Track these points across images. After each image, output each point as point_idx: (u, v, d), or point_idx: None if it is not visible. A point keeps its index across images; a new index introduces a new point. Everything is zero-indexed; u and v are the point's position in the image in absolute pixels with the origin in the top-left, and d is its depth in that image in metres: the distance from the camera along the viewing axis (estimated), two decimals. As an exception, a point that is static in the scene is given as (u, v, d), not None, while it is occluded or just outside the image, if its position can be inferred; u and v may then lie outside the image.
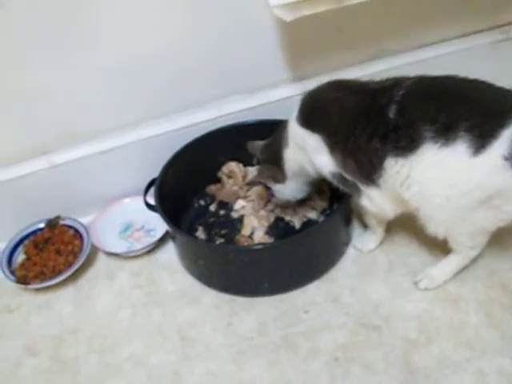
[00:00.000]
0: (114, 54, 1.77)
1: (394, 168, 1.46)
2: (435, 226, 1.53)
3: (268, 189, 1.87)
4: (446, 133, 1.37)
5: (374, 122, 1.47)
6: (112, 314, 1.78)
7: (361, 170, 1.52)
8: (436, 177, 1.42)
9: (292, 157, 1.70)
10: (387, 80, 1.53)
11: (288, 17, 1.65)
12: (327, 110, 1.58)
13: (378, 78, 1.57)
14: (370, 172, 1.50)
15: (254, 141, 1.86)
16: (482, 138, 1.35)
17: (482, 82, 1.46)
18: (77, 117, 1.86)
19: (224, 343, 1.65)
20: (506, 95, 1.44)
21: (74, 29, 1.68)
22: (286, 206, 1.92)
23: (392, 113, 1.44)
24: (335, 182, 1.64)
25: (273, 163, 1.76)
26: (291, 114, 1.65)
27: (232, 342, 1.65)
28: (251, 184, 1.97)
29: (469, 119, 1.36)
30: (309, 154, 1.62)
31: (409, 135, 1.41)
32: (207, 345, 1.65)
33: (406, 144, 1.42)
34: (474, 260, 1.68)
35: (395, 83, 1.49)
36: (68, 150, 1.90)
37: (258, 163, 1.89)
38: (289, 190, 1.81)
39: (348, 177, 1.58)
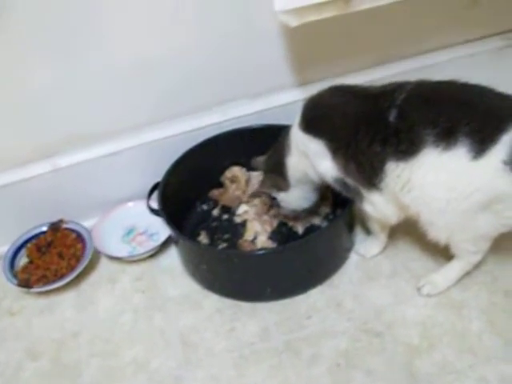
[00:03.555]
0: (118, 57, 1.77)
1: (395, 172, 1.46)
2: (436, 232, 1.53)
3: (273, 199, 1.85)
4: (446, 137, 1.38)
5: (375, 125, 1.47)
6: (114, 318, 1.78)
7: (362, 174, 1.52)
8: (436, 181, 1.42)
9: (295, 164, 1.70)
10: (388, 85, 1.54)
11: (293, 22, 1.64)
12: (329, 115, 1.59)
13: (380, 84, 1.57)
14: (372, 176, 1.50)
15: (257, 157, 1.87)
16: (482, 142, 1.36)
17: (483, 87, 1.46)
18: (81, 120, 1.86)
19: (226, 348, 1.64)
20: (507, 100, 1.44)
21: (78, 32, 1.69)
22: (294, 216, 1.90)
23: (393, 117, 1.44)
24: (338, 188, 1.64)
25: (275, 172, 1.75)
26: (294, 121, 1.65)
27: (234, 347, 1.64)
28: (255, 196, 1.95)
29: (469, 124, 1.37)
30: (311, 159, 1.62)
31: (409, 139, 1.41)
32: (209, 350, 1.65)
33: (407, 148, 1.42)
34: (477, 266, 1.67)
35: (396, 87, 1.49)
36: (72, 153, 1.90)
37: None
38: (293, 198, 1.80)
39: (350, 182, 1.58)
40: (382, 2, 1.68)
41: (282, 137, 1.73)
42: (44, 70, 1.73)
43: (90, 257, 1.89)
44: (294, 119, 1.65)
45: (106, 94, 1.83)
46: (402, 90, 1.47)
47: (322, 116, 1.61)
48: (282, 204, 1.83)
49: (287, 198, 1.80)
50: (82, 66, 1.75)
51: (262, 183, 1.83)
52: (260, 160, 1.87)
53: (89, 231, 1.95)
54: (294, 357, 1.59)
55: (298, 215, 1.90)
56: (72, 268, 1.87)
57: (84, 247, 1.92)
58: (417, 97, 1.46)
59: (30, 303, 1.86)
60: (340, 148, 1.54)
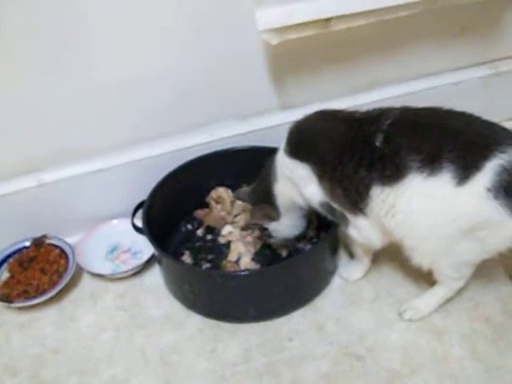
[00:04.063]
0: (107, 75, 1.77)
1: (380, 197, 1.47)
2: (420, 257, 1.54)
3: (264, 230, 1.84)
4: (431, 163, 1.39)
5: (360, 150, 1.48)
6: (94, 335, 1.77)
7: (348, 198, 1.52)
8: (420, 206, 1.43)
9: (282, 191, 1.70)
10: (374, 110, 1.55)
11: (274, 40, 1.69)
12: (315, 140, 1.59)
13: (365, 109, 1.58)
14: (357, 201, 1.51)
15: (240, 189, 1.89)
16: (466, 169, 1.37)
17: (468, 115, 1.48)
18: (67, 136, 1.86)
19: (207, 369, 1.64)
20: (491, 128, 1.46)
21: (67, 48, 1.69)
22: (285, 244, 1.90)
23: (379, 141, 1.45)
24: (323, 212, 1.64)
25: (264, 201, 1.75)
26: (279, 146, 1.66)
27: (215, 367, 1.64)
28: (247, 228, 1.94)
29: (453, 150, 1.38)
30: (298, 184, 1.62)
31: (395, 164, 1.42)
32: (190, 370, 1.64)
33: (392, 173, 1.43)
34: (459, 292, 1.68)
35: (382, 113, 1.51)
36: (57, 169, 1.90)
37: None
38: (285, 226, 1.80)
39: (336, 206, 1.58)
40: (361, 21, 1.71)
41: (267, 165, 1.73)
42: (31, 85, 1.72)
43: (72, 273, 1.87)
44: (280, 145, 1.66)
45: (92, 111, 1.83)
46: (387, 116, 1.48)
47: (307, 140, 1.61)
48: (274, 234, 1.83)
49: (279, 226, 1.79)
50: (70, 83, 1.75)
51: (253, 214, 1.81)
52: (245, 191, 1.87)
53: (72, 248, 1.94)
54: (275, 379, 1.59)
55: (288, 243, 1.89)
56: (54, 284, 1.86)
57: (67, 263, 1.91)
58: (402, 122, 1.47)
59: (10, 318, 1.84)
60: (326, 172, 1.54)
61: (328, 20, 1.71)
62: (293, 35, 1.69)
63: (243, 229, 1.95)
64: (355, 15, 1.70)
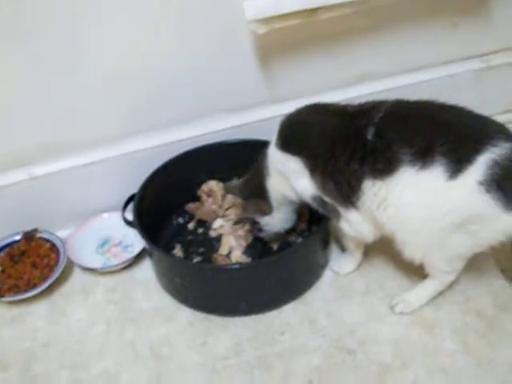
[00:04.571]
0: (97, 67, 1.77)
1: (372, 190, 1.46)
2: (411, 251, 1.54)
3: (254, 224, 1.83)
4: (423, 156, 1.39)
5: (352, 144, 1.47)
6: (85, 329, 1.76)
7: (340, 192, 1.52)
8: (412, 200, 1.43)
9: (275, 185, 1.70)
10: (366, 103, 1.55)
11: (261, 29, 1.71)
12: (307, 133, 1.59)
13: (357, 102, 1.58)
14: (349, 194, 1.51)
15: (229, 182, 1.90)
16: (458, 162, 1.37)
17: (460, 108, 1.48)
18: (58, 129, 1.85)
19: (198, 362, 1.63)
20: (483, 121, 1.46)
21: (54, 42, 1.69)
22: (276, 238, 1.90)
23: (370, 135, 1.45)
24: (315, 206, 1.64)
25: (256, 196, 1.75)
26: (271, 140, 1.66)
27: (206, 361, 1.63)
28: (239, 222, 1.92)
29: (445, 144, 1.38)
30: (289, 178, 1.62)
31: (387, 158, 1.42)
32: (181, 363, 1.64)
33: (384, 166, 1.43)
34: (451, 286, 1.68)
35: (374, 106, 1.50)
36: (49, 163, 1.89)
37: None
38: (277, 220, 1.79)
39: (328, 200, 1.58)
40: (347, 10, 1.71)
41: (258, 160, 1.73)
42: (19, 78, 1.72)
43: (63, 267, 1.87)
44: (271, 138, 1.66)
45: (84, 103, 1.82)
46: (379, 109, 1.48)
47: (299, 134, 1.61)
48: (266, 228, 1.82)
49: (271, 221, 1.79)
50: (58, 76, 1.75)
51: (246, 208, 1.81)
52: (233, 185, 1.87)
53: (63, 241, 1.93)
54: (266, 373, 1.59)
55: (278, 237, 1.89)
56: (45, 278, 1.85)
57: (58, 257, 1.90)
58: (394, 116, 1.47)
59: (1, 312, 1.83)
60: (318, 166, 1.54)
61: (315, 9, 1.73)
62: (279, 24, 1.71)
63: (236, 223, 1.94)
64: (341, 5, 1.72)
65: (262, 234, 1.87)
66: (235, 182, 1.87)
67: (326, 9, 1.73)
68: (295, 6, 1.69)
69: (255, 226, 1.83)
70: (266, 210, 1.75)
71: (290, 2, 1.68)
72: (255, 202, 1.75)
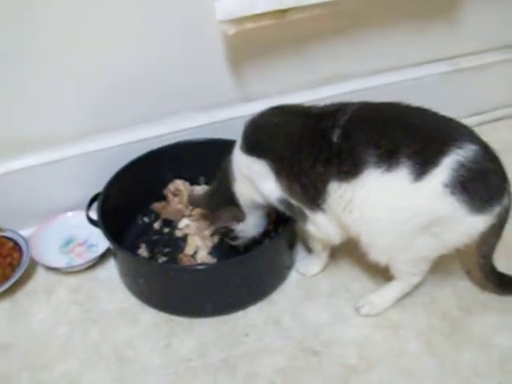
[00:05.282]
0: (60, 62, 1.74)
1: (337, 192, 1.46)
2: (376, 253, 1.54)
3: (230, 231, 1.79)
4: (388, 158, 1.39)
5: (318, 145, 1.47)
6: (48, 330, 1.73)
7: (306, 194, 1.52)
8: (378, 202, 1.43)
9: (242, 190, 1.68)
10: (331, 105, 1.55)
11: (231, 30, 1.71)
12: (271, 135, 1.58)
13: (327, 103, 1.58)
14: (315, 196, 1.50)
15: (192, 193, 1.91)
16: (423, 164, 1.37)
17: (426, 110, 1.48)
18: (20, 127, 1.82)
19: (162, 364, 1.62)
20: (449, 123, 1.47)
21: (14, 37, 1.66)
22: (251, 243, 1.86)
23: (336, 137, 1.44)
24: (282, 208, 1.63)
25: (227, 204, 1.73)
26: (235, 146, 1.65)
27: (170, 363, 1.62)
28: (216, 233, 1.88)
29: (411, 146, 1.38)
30: (255, 181, 1.61)
31: (352, 160, 1.42)
32: (144, 365, 1.62)
33: (349, 168, 1.42)
34: (416, 287, 1.68)
35: (340, 108, 1.50)
36: (10, 160, 1.86)
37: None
38: (251, 225, 1.77)
39: (294, 202, 1.57)
40: (317, 11, 1.73)
41: (222, 167, 1.72)
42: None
43: (26, 266, 1.84)
44: (236, 143, 1.65)
45: (47, 100, 1.80)
46: (345, 111, 1.47)
47: (263, 136, 1.60)
48: (241, 234, 1.79)
49: (246, 227, 1.77)
50: (23, 71, 1.72)
51: (221, 218, 1.75)
52: (198, 196, 1.86)
53: (26, 240, 1.90)
54: (230, 374, 1.58)
55: (253, 241, 1.85)
56: (7, 278, 1.82)
57: (21, 257, 1.87)
58: (360, 118, 1.47)
59: (-38, 313, 1.80)
60: (283, 168, 1.53)
61: (285, 10, 1.73)
62: (250, 25, 1.71)
63: (212, 235, 1.91)
64: (312, 6, 1.72)
65: (237, 242, 1.83)
66: (198, 194, 1.86)
67: (297, 10, 1.74)
68: (266, 7, 1.69)
69: (230, 235, 1.81)
70: (241, 216, 1.74)
71: (261, 3, 1.68)
72: (229, 210, 1.73)
